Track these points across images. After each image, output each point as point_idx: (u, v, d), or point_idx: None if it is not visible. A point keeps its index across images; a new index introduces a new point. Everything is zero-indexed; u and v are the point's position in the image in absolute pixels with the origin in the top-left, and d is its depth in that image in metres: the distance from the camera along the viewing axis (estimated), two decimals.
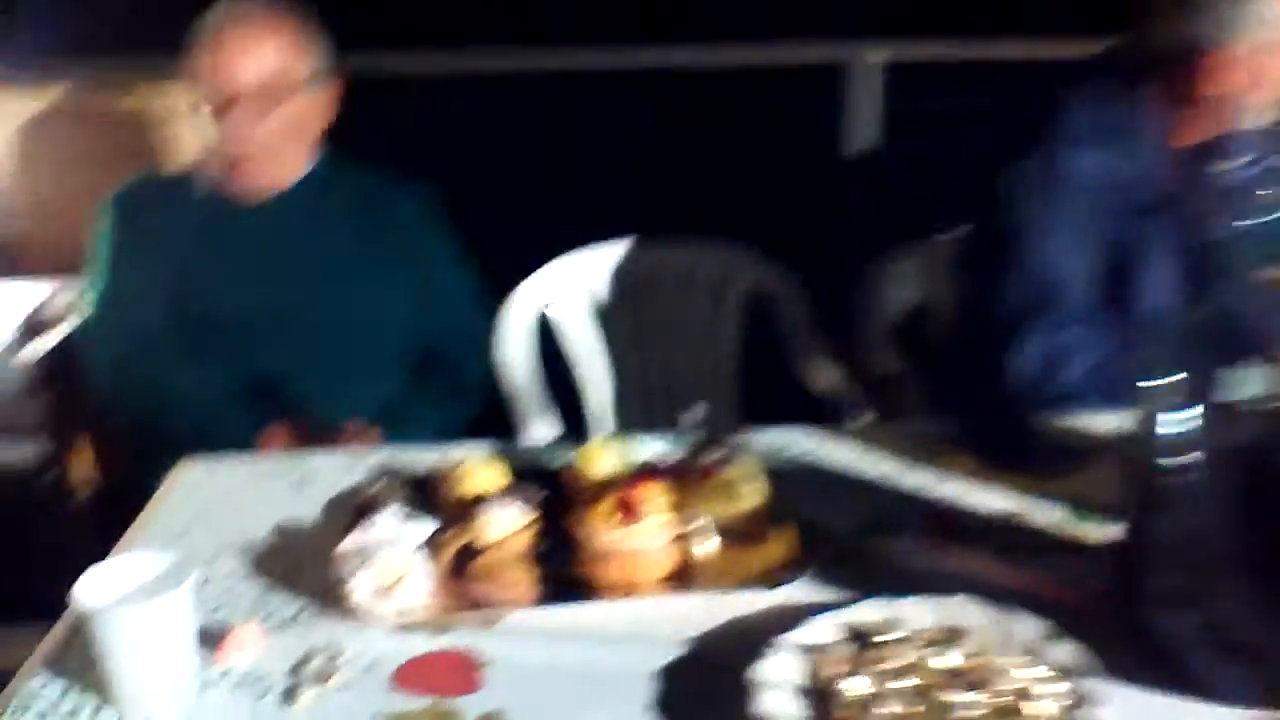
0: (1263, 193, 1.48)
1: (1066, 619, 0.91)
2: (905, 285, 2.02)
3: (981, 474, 1.19)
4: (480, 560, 0.98)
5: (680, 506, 1.06)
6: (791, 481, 1.15)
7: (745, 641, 0.88)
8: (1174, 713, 0.84)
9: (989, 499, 1.15)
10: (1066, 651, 0.86)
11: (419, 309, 1.66)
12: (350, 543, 0.94)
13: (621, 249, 1.98)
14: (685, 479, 1.09)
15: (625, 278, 1.98)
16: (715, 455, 1.12)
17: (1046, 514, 1.13)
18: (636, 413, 1.99)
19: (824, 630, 0.89)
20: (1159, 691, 0.86)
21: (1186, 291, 1.47)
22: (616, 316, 1.97)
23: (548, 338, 1.89)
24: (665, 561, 1.02)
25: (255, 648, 0.88)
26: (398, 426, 1.58)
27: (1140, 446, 0.92)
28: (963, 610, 0.91)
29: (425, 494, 1.10)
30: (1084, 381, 1.52)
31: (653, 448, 1.20)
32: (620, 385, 1.98)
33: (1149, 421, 0.91)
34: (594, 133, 2.33)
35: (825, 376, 1.95)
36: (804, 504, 1.11)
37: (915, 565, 1.05)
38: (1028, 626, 0.89)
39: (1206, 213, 1.48)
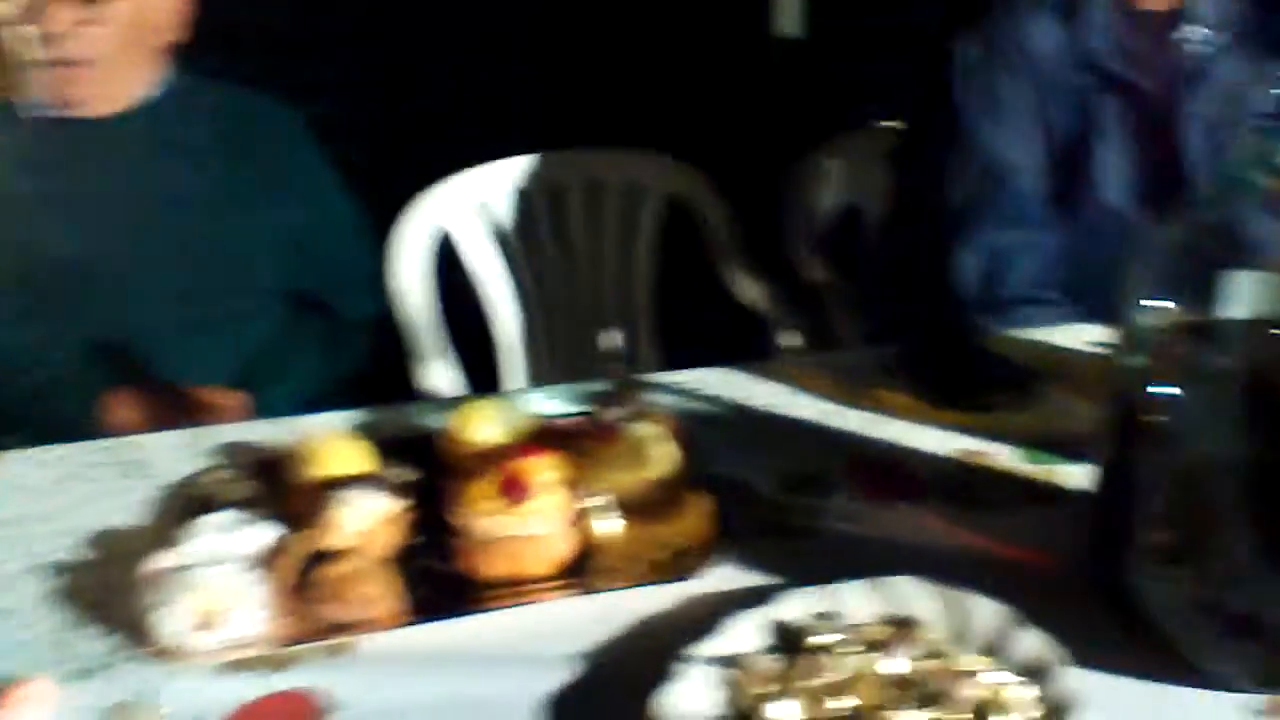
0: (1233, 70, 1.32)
1: (1031, 587, 0.77)
2: (834, 185, 1.86)
3: (922, 410, 1.04)
4: (331, 569, 0.80)
5: (578, 479, 0.89)
6: (708, 433, 0.99)
7: (652, 653, 0.72)
8: (1165, 704, 0.71)
9: (933, 440, 1.00)
10: (1034, 643, 0.71)
11: (290, 243, 1.46)
12: (162, 562, 0.77)
13: (523, 161, 1.78)
14: (583, 444, 0.92)
15: (528, 193, 1.79)
16: (618, 412, 0.95)
17: (999, 455, 0.98)
18: (548, 344, 1.82)
19: (745, 635, 0.73)
20: (1144, 677, 0.73)
21: (1153, 187, 1.32)
22: (520, 236, 1.78)
23: (449, 272, 1.71)
24: (560, 549, 0.86)
25: (46, 706, 0.71)
26: (271, 382, 1.40)
27: (1120, 373, 0.77)
28: (909, 595, 0.76)
29: (273, 484, 0.92)
30: (1032, 286, 1.38)
31: (546, 405, 1.03)
32: (529, 314, 1.80)
33: (1131, 343, 0.76)
34: (485, 31, 2.10)
35: (750, 291, 1.79)
36: (722, 461, 0.95)
37: (851, 530, 0.90)
38: (987, 612, 0.74)
39: (1172, 91, 1.32)
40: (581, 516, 0.87)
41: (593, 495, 0.88)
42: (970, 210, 1.41)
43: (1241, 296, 0.83)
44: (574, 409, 1.01)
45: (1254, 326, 0.78)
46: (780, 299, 1.77)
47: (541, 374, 1.81)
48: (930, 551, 0.86)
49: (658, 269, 1.84)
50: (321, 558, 0.81)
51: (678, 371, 1.15)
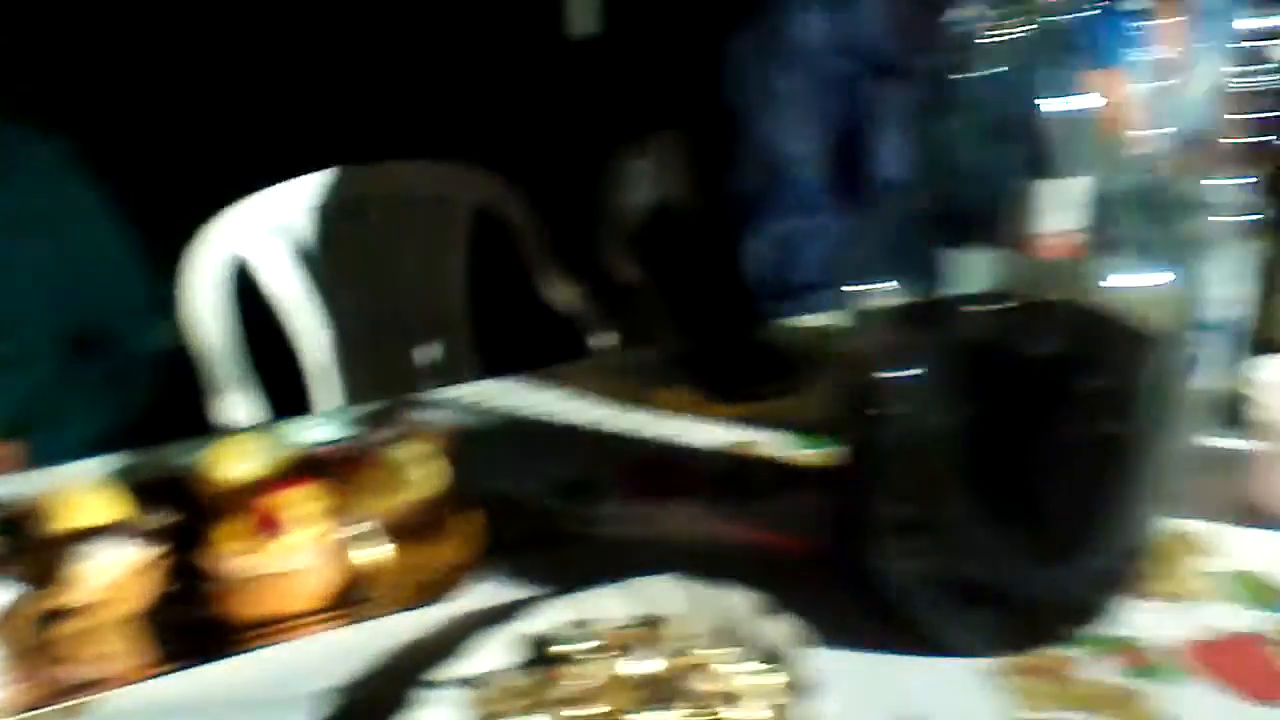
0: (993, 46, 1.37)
1: (788, 573, 0.79)
2: (643, 184, 1.86)
3: (700, 405, 1.05)
4: (67, 627, 0.76)
5: (339, 508, 0.87)
6: (481, 448, 0.98)
7: (407, 680, 0.71)
8: (904, 677, 0.73)
9: (708, 435, 1.01)
10: (781, 630, 0.73)
11: (58, 280, 1.39)
12: None
13: (320, 178, 1.74)
14: (343, 471, 0.89)
15: (329, 210, 1.74)
16: (385, 434, 0.93)
17: (772, 444, 0.99)
18: (361, 363, 1.78)
19: (494, 652, 0.72)
20: (885, 652, 0.75)
21: (915, 169, 1.36)
22: (325, 256, 1.74)
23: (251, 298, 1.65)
24: (321, 581, 0.84)
25: None
26: (49, 428, 1.33)
27: (850, 354, 0.79)
28: (664, 594, 0.76)
29: (18, 541, 0.87)
30: (821, 272, 1.41)
31: (313, 433, 1.00)
32: (339, 334, 1.76)
33: (858, 324, 0.78)
34: (271, 46, 2.04)
35: (564, 294, 1.79)
36: (495, 475, 0.94)
37: (623, 533, 0.90)
38: (739, 603, 0.75)
39: (938, 75, 1.36)
40: (344, 546, 0.85)
41: (355, 523, 0.86)
42: (756, 202, 1.43)
43: (963, 274, 0.86)
44: (341, 434, 0.99)
45: (974, 303, 0.81)
46: (594, 302, 1.77)
47: (357, 394, 1.77)
48: (698, 547, 0.87)
49: (470, 278, 1.82)
50: (59, 616, 0.77)
51: (466, 384, 1.14)
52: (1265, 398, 0.86)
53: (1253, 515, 0.85)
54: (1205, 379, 0.89)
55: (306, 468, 0.90)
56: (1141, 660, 0.74)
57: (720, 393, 1.06)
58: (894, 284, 0.77)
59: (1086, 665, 0.73)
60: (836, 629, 0.74)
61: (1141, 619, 0.76)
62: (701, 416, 1.04)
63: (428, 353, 1.84)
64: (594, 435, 1.02)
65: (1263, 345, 0.91)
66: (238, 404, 1.53)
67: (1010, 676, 0.72)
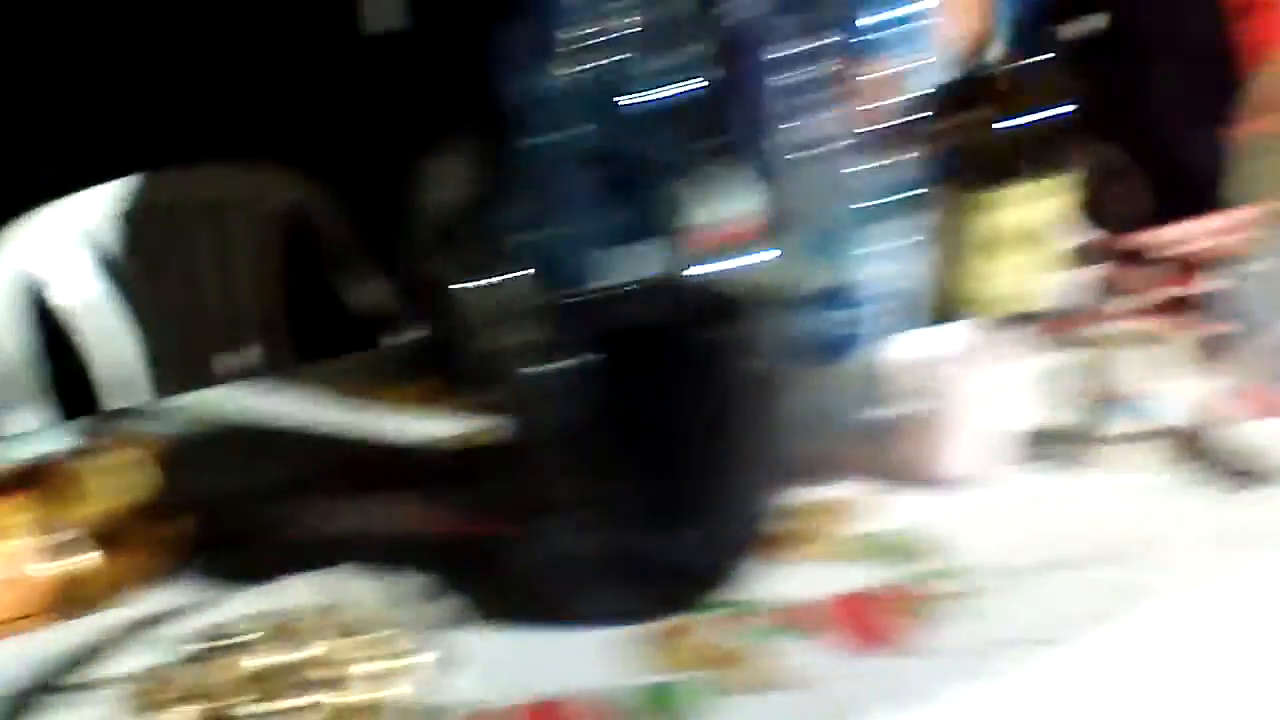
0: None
1: (463, 557, 0.83)
2: (452, 182, 1.89)
3: (431, 398, 1.09)
4: None
5: (43, 518, 0.89)
6: (205, 453, 1.02)
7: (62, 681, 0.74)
8: (543, 651, 0.78)
9: (436, 427, 1.05)
10: (433, 612, 0.77)
11: None
12: None
13: (119, 185, 1.74)
14: (45, 483, 0.92)
15: (131, 217, 1.74)
16: (97, 443, 0.96)
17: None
18: (172, 372, 1.79)
19: (156, 649, 0.76)
20: (530, 628, 0.79)
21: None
22: (127, 263, 1.74)
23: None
24: (22, 592, 0.86)
25: None
26: None
27: (499, 340, 0.84)
28: (330, 584, 0.81)
29: None
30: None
31: (19, 448, 1.02)
32: (146, 343, 1.76)
33: (501, 314, 0.82)
34: (58, 43, 2.02)
35: (370, 293, 1.81)
36: (214, 479, 0.98)
37: (323, 530, 0.93)
38: (397, 590, 0.80)
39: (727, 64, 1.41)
40: (44, 555, 0.88)
41: (57, 532, 0.89)
42: (530, 198, 1.47)
43: (615, 263, 0.92)
44: (49, 447, 1.01)
45: (616, 290, 0.86)
46: (403, 300, 1.80)
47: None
48: (394, 538, 0.90)
49: (281, 278, 1.84)
50: None
51: (199, 391, 1.17)
52: (916, 367, 0.92)
53: (902, 478, 0.92)
54: (865, 349, 0.95)
55: (8, 480, 0.92)
56: (772, 620, 0.79)
57: (452, 385, 1.10)
58: (531, 273, 0.82)
59: (716, 628, 0.79)
60: (489, 609, 0.79)
61: (779, 581, 0.82)
62: (433, 409, 1.08)
63: (238, 357, 1.85)
64: (321, 433, 1.05)
65: (923, 317, 0.98)
66: (27, 419, 1.53)
67: (642, 644, 0.78)
